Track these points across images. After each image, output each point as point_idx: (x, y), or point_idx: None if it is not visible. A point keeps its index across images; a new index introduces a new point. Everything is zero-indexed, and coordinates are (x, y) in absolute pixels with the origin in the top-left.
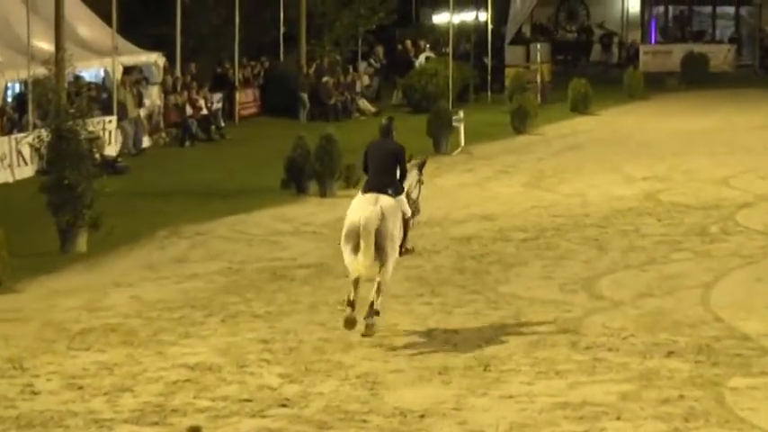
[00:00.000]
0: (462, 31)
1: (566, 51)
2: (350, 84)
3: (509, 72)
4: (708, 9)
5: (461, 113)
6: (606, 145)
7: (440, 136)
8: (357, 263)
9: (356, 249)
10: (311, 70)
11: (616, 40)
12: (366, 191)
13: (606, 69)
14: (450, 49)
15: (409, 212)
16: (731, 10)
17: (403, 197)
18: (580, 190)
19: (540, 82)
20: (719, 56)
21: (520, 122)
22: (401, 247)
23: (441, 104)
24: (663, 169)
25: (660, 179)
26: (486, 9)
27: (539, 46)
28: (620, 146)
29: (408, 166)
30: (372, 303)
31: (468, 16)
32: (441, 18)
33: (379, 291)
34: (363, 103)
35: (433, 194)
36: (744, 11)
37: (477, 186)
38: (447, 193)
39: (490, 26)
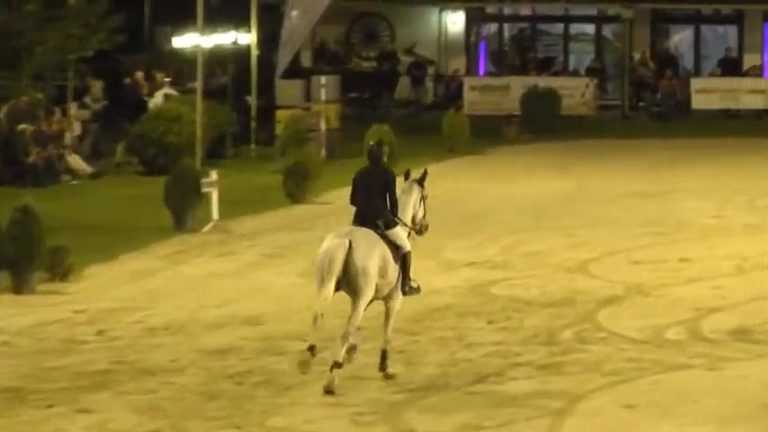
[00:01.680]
0: (217, 58)
1: (361, 86)
2: (57, 133)
3: (281, 116)
4: (558, 27)
5: (214, 175)
6: None
7: (183, 206)
8: (317, 300)
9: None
10: (1, 114)
11: (431, 70)
12: (354, 224)
13: (418, 112)
14: (198, 84)
15: (407, 247)
16: (590, 29)
17: (398, 229)
18: None
19: (325, 130)
20: (575, 93)
21: (297, 187)
22: (404, 285)
23: (185, 162)
24: (497, 251)
25: (493, 265)
26: (250, 28)
27: (323, 79)
28: (439, 220)
29: (406, 184)
30: (337, 360)
31: (224, 38)
32: (185, 41)
33: (344, 339)
34: (76, 161)
35: (174, 287)
36: (608, 30)
37: (236, 276)
38: (194, 286)
39: (255, 52)
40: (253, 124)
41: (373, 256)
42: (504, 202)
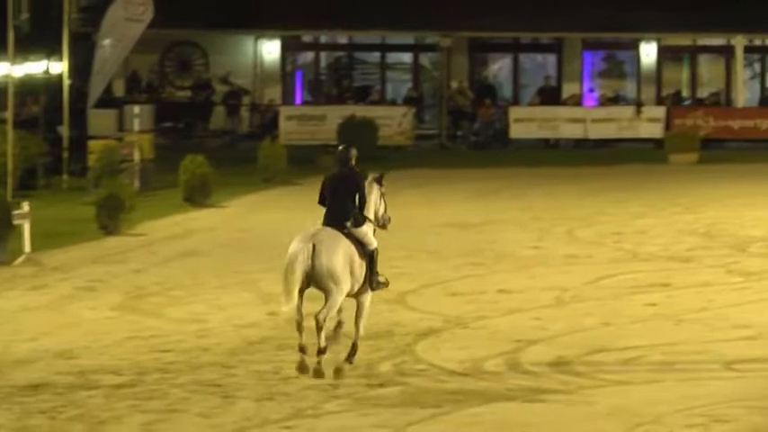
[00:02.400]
0: (28, 87)
1: (176, 116)
2: None
3: (94, 146)
4: (375, 56)
5: (26, 206)
6: (235, 250)
7: None
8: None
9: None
10: None
11: (247, 100)
12: (323, 224)
13: (233, 141)
14: (9, 114)
15: (373, 244)
16: (408, 57)
17: (365, 228)
18: (198, 314)
19: (138, 160)
20: (392, 122)
21: (110, 218)
22: (371, 281)
23: None
24: None
25: (310, 298)
26: (61, 57)
27: (136, 109)
28: (255, 252)
29: (365, 184)
30: (320, 346)
31: (35, 67)
32: None
33: (320, 330)
34: None
35: None
36: (425, 59)
37: (49, 310)
38: (5, 320)
39: (67, 81)
40: (65, 155)
41: (337, 254)
42: None
